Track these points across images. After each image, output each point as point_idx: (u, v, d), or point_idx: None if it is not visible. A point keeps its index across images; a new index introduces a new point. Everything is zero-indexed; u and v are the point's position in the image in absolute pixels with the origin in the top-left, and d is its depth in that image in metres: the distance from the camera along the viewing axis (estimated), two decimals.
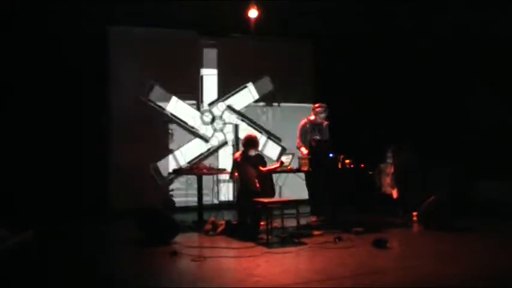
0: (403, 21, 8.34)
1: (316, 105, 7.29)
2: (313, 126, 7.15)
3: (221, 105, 9.08)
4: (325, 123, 7.21)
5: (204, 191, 7.38)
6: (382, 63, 8.88)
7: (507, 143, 7.69)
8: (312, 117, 7.19)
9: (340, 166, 6.59)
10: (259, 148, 6.81)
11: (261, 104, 9.38)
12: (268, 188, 6.46)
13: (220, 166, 8.48)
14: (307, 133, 7.08)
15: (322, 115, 7.14)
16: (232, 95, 9.16)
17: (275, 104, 9.46)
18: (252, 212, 6.17)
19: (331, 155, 6.60)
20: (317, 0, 7.59)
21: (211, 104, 9.01)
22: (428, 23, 8.27)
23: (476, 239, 5.99)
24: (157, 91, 8.61)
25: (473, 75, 8.16)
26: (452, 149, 8.09)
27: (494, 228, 6.62)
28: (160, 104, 8.63)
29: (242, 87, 9.25)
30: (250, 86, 9.30)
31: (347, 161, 6.63)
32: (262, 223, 6.16)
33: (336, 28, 8.86)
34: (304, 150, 6.95)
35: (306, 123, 7.18)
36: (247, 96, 9.30)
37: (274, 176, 6.82)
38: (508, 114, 7.75)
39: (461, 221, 6.61)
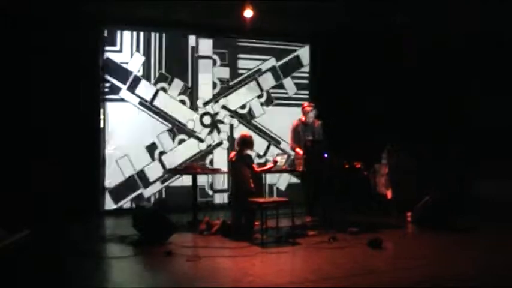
0: (402, 21, 8.33)
1: (305, 104, 7.29)
2: (305, 126, 7.14)
3: (217, 105, 9.06)
4: (318, 122, 7.20)
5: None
6: (382, 63, 8.88)
7: (507, 143, 7.70)
8: (303, 118, 7.19)
9: (335, 166, 6.59)
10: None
11: (259, 102, 9.37)
12: (261, 188, 6.46)
13: (215, 166, 8.47)
14: (300, 134, 7.07)
15: (311, 114, 7.12)
16: (230, 93, 9.14)
17: (273, 103, 9.44)
18: (246, 212, 6.16)
19: (326, 155, 6.59)
20: (317, 0, 7.58)
21: (206, 103, 8.98)
22: (428, 23, 8.28)
23: (473, 238, 5.97)
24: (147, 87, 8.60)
25: (473, 75, 8.17)
26: (451, 149, 8.10)
27: (493, 228, 6.59)
28: (150, 100, 8.61)
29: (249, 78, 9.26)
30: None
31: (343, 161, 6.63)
32: (256, 223, 6.15)
33: (335, 28, 8.85)
34: (299, 151, 6.94)
35: (297, 125, 7.18)
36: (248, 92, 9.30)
37: (270, 176, 6.81)
38: (508, 114, 7.76)
39: (460, 220, 6.61)
